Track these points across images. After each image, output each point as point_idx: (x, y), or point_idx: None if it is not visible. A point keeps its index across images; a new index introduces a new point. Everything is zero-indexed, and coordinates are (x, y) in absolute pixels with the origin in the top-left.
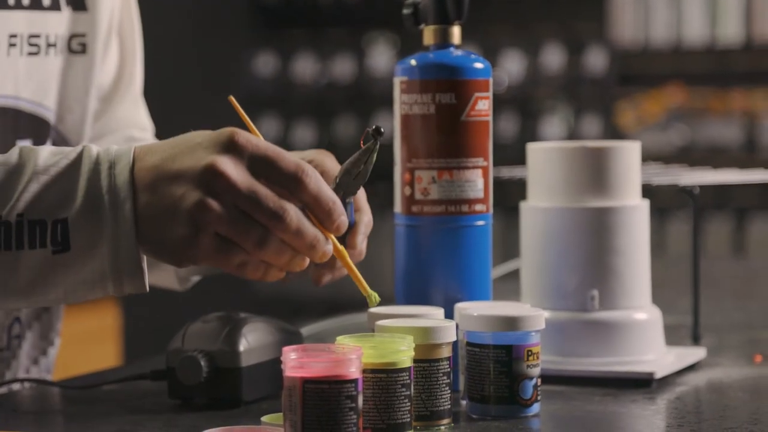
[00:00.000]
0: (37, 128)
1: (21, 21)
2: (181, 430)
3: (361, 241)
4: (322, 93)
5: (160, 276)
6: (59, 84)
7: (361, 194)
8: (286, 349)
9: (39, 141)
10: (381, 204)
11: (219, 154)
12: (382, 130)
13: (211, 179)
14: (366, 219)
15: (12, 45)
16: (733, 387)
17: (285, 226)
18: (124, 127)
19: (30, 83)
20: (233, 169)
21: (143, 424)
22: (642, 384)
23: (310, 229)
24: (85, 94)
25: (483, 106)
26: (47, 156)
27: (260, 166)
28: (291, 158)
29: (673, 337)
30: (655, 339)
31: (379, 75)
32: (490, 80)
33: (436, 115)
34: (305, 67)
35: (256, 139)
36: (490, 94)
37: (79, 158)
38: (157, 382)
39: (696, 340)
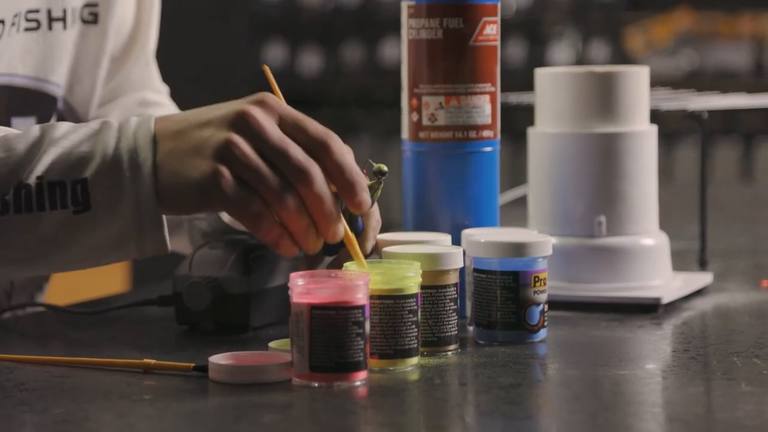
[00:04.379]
0: (38, 104)
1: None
2: (188, 355)
3: (370, 245)
4: (328, 17)
5: (177, 242)
6: (72, 56)
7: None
8: (293, 275)
9: (42, 117)
10: (388, 130)
11: (251, 105)
12: (385, 170)
13: (242, 123)
14: (374, 222)
15: (12, 24)
16: (740, 312)
17: (308, 182)
18: (137, 89)
19: (29, 59)
20: (265, 118)
21: (150, 349)
22: (648, 309)
23: (331, 197)
24: (96, 65)
25: (491, 30)
26: (67, 127)
27: (289, 125)
28: (319, 125)
29: (680, 262)
30: (662, 264)
31: None
32: (498, 4)
33: (443, 40)
34: None
35: (286, 104)
36: (498, 18)
37: (99, 126)
38: (164, 307)
39: (703, 265)
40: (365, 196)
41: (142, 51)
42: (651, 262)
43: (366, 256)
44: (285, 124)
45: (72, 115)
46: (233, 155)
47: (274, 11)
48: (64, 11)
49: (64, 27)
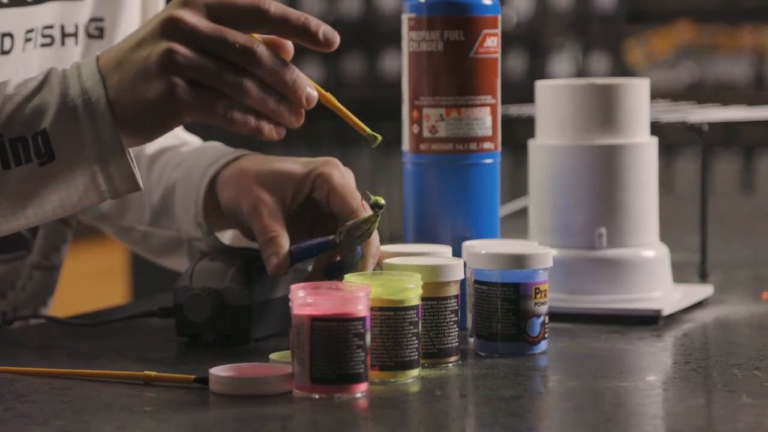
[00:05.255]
0: None
1: (41, 14)
2: (189, 367)
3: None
4: None
5: (175, 262)
6: None
7: None
8: (294, 286)
9: None
10: (388, 142)
11: (174, 9)
12: (382, 203)
13: (172, 28)
14: (373, 250)
15: (28, 40)
16: (740, 324)
17: (257, 60)
18: None
19: None
20: (192, 16)
21: (151, 361)
22: (649, 321)
23: (286, 65)
24: None
25: (491, 43)
26: (16, 82)
27: (218, 11)
28: (238, 38)
29: (680, 274)
30: (662, 276)
31: (387, 12)
32: (499, 17)
33: (444, 53)
34: (313, 3)
35: (199, 21)
36: (498, 31)
37: (47, 76)
38: (165, 319)
39: (703, 277)
40: (324, 27)
41: None
42: (651, 274)
43: None
44: (213, 12)
45: None
46: (177, 62)
47: None
48: (76, 27)
49: (76, 42)
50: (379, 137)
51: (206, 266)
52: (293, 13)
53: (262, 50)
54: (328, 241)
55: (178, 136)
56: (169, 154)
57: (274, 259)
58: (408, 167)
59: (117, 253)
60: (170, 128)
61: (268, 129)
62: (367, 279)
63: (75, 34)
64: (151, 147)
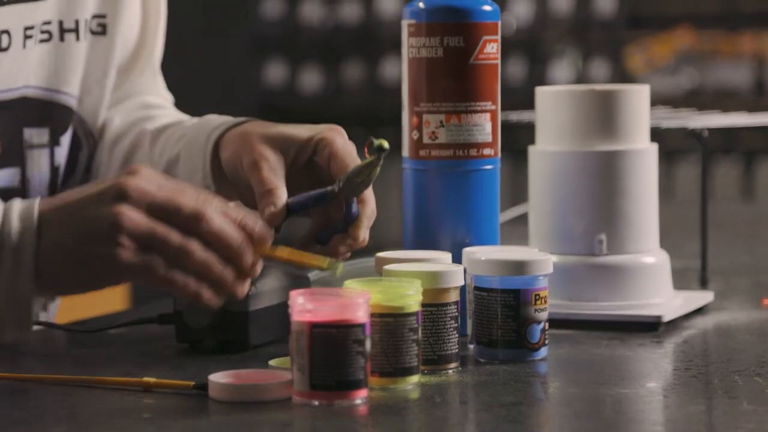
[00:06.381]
0: (51, 115)
1: (41, 11)
2: (189, 373)
3: (364, 234)
4: (329, 36)
5: None
6: (84, 67)
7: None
8: (293, 293)
9: (56, 128)
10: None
11: (116, 205)
12: (386, 146)
13: (121, 193)
14: (369, 211)
15: (28, 37)
16: (741, 330)
17: (206, 223)
18: (140, 94)
19: (41, 70)
20: (135, 212)
21: (150, 367)
22: (649, 328)
23: (236, 230)
24: (104, 75)
25: (491, 49)
26: None
27: (159, 211)
28: (188, 202)
29: (680, 280)
30: (662, 283)
31: (387, 18)
32: (499, 23)
33: (443, 59)
34: (312, 10)
35: (149, 186)
36: (498, 37)
37: None
38: (164, 325)
39: (704, 283)
40: (252, 260)
41: (148, 62)
42: (652, 281)
43: (360, 248)
44: (154, 211)
45: (82, 125)
46: (124, 228)
47: (274, 30)
48: (76, 22)
49: (77, 38)
50: (341, 265)
51: None
52: (232, 237)
53: (210, 212)
54: (327, 191)
55: (179, 118)
56: (172, 129)
57: (271, 208)
58: (408, 173)
59: None
60: (104, 288)
61: (208, 295)
62: (367, 285)
63: (75, 30)
64: (154, 123)
